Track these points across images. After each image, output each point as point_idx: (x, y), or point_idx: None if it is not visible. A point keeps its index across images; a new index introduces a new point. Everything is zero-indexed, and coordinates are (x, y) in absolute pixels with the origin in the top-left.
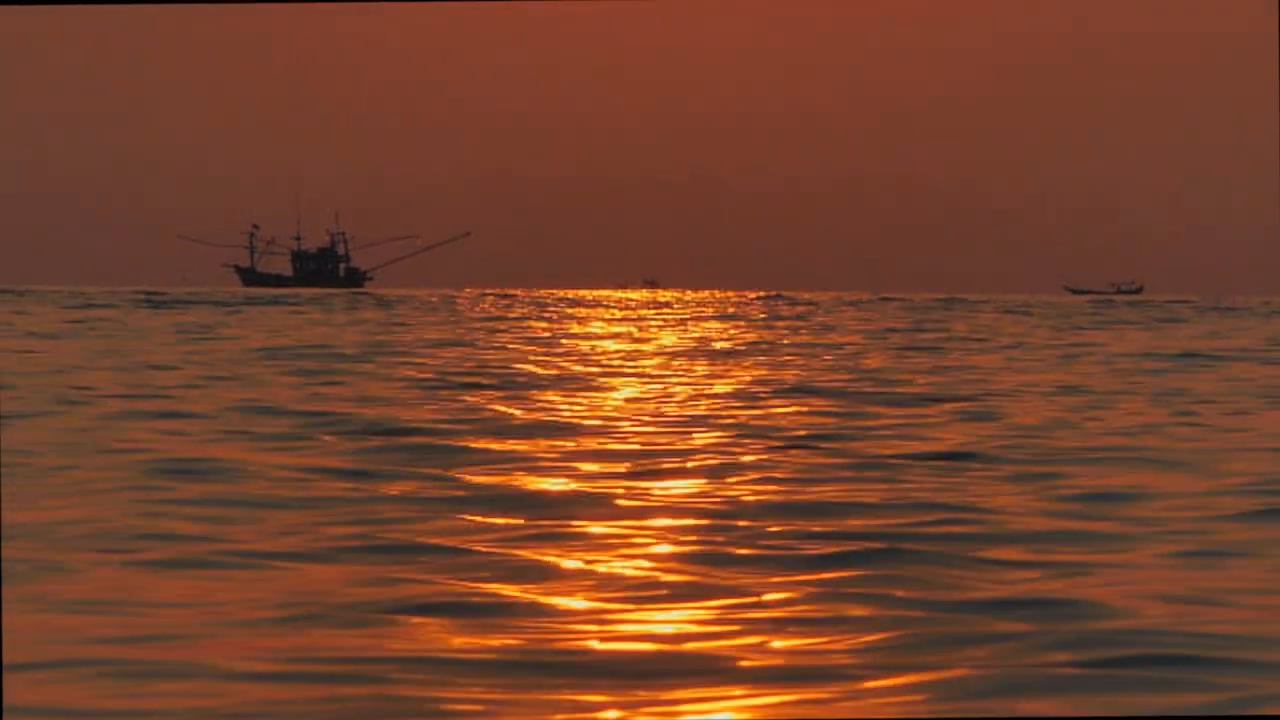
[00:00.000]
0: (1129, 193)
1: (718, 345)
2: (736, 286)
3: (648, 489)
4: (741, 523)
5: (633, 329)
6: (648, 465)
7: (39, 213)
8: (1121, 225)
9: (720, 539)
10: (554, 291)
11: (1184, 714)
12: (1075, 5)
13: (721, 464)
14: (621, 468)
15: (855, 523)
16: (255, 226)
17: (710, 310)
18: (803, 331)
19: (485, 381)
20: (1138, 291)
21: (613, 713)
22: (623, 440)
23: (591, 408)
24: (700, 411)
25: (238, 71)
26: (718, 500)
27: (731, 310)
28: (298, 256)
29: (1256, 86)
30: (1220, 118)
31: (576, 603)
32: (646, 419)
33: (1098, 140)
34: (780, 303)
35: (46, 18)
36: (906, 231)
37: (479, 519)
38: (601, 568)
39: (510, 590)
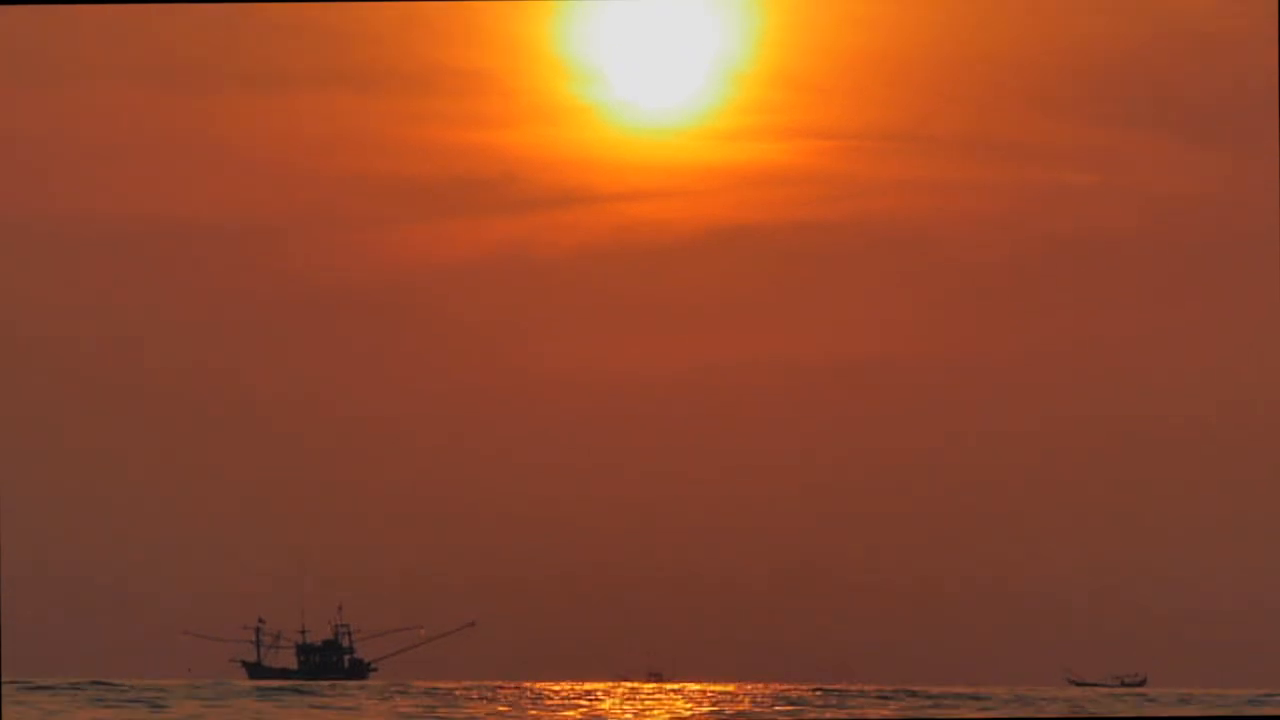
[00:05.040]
0: (1133, 582)
1: None
2: (744, 679)
3: None
4: None
5: None
6: None
7: (32, 601)
8: (1125, 615)
9: None
10: (566, 685)
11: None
12: (1076, 393)
13: None
14: None
15: None
16: (261, 620)
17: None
18: None
19: None
20: (1141, 684)
21: None
22: None
23: None
24: None
25: (235, 461)
26: None
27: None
28: (302, 649)
29: (1265, 467)
30: (1228, 503)
31: None
32: None
33: (1100, 527)
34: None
35: (43, 400)
36: (907, 622)
37: None
38: None
39: None
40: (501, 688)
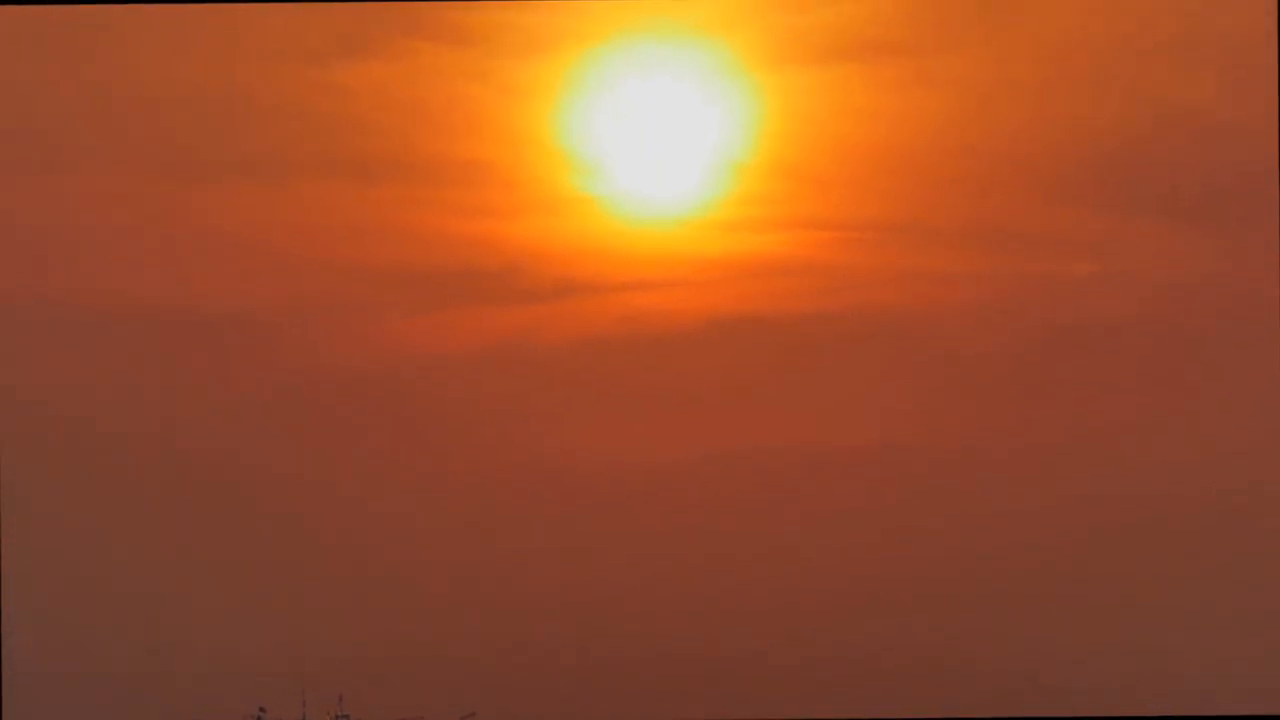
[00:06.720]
0: (1136, 666)
1: None
2: None
3: None
4: None
5: None
6: None
7: (30, 689)
8: (1128, 699)
9: None
10: None
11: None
12: (1076, 480)
13: None
14: None
15: None
16: (262, 710)
17: None
18: None
19: None
20: None
21: None
22: None
23: None
24: None
25: (235, 548)
26: None
27: None
28: None
29: (1266, 554)
30: (1229, 590)
31: None
32: None
33: (1101, 614)
34: None
35: (37, 487)
36: (910, 706)
37: None
38: None
39: None
40: None
